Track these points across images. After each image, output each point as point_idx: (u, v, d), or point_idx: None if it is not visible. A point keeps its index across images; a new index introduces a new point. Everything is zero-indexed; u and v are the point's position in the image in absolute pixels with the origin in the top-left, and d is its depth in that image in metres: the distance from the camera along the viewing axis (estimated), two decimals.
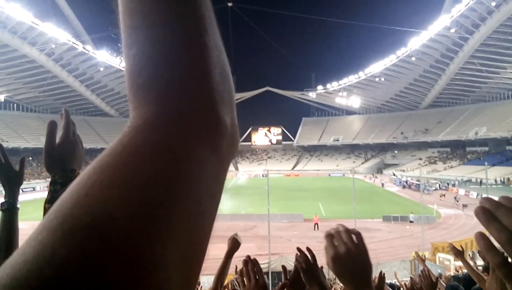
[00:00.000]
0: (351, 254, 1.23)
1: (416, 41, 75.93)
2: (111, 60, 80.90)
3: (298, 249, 1.81)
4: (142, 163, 0.32)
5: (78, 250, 0.26)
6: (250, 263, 1.75)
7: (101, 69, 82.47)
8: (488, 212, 0.88)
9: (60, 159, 1.16)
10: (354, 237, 1.26)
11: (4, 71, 71.74)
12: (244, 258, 1.81)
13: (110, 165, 0.32)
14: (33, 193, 52.53)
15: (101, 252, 0.26)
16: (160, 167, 0.32)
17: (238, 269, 2.45)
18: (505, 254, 0.86)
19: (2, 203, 1.57)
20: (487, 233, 0.87)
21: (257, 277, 1.72)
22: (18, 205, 1.62)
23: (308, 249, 1.84)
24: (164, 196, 0.31)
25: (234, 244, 2.61)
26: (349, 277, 1.22)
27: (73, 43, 72.46)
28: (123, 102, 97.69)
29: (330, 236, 1.29)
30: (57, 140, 1.19)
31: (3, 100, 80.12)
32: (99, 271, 0.25)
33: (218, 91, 0.38)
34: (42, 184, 59.10)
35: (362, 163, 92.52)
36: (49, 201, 1.13)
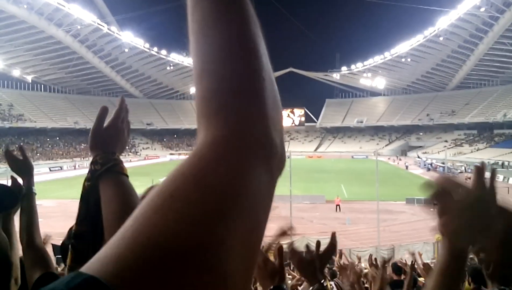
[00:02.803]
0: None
1: (445, 20, 73.93)
2: (135, 41, 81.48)
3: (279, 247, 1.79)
4: (214, 176, 0.38)
5: (169, 239, 0.33)
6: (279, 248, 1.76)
7: (126, 50, 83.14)
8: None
9: (104, 141, 1.22)
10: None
11: (31, 52, 73.15)
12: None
13: (189, 174, 0.39)
14: (61, 172, 53.89)
15: (186, 242, 0.34)
16: (228, 181, 0.38)
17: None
18: None
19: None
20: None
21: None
22: (35, 190, 1.80)
23: (289, 245, 1.87)
24: (231, 205, 0.37)
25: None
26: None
27: (98, 24, 73.16)
28: (147, 83, 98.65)
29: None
30: (106, 123, 1.25)
31: (30, 81, 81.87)
32: (181, 249, 0.33)
33: (272, 118, 0.44)
34: (69, 163, 60.54)
35: (386, 145, 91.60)
36: (89, 179, 1.18)
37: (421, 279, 6.41)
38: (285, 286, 1.61)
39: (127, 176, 1.18)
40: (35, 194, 1.80)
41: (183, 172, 0.39)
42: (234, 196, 0.38)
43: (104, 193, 1.12)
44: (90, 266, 0.32)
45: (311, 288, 1.69)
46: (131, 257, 0.32)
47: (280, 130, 0.46)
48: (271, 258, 1.71)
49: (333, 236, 1.85)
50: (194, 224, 0.35)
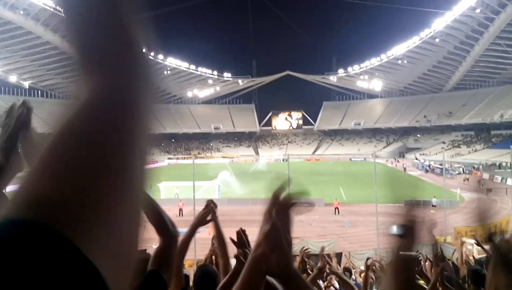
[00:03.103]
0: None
1: (440, 22, 74.20)
2: None
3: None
4: (97, 124, 0.41)
5: (67, 161, 0.37)
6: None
7: None
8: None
9: None
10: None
11: (28, 58, 73.05)
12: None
13: (73, 125, 0.41)
14: None
15: (92, 161, 0.37)
16: (111, 127, 0.41)
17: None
18: None
19: None
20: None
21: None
22: None
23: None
24: (116, 148, 0.40)
25: (208, 212, 2.75)
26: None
27: None
28: None
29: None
30: None
31: (27, 86, 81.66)
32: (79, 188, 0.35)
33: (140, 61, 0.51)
34: None
35: (384, 148, 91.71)
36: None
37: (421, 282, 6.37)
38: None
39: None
40: None
41: (67, 125, 0.41)
42: (119, 145, 0.41)
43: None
44: (11, 209, 0.32)
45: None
46: (51, 193, 0.33)
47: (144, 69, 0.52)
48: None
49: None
50: (92, 147, 0.38)
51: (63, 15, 0.46)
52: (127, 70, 0.46)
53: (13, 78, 76.61)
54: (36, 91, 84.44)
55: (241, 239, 2.19)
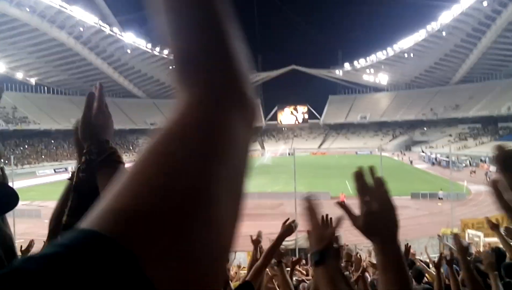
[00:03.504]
0: (381, 209, 1.24)
1: (447, 15, 73.57)
2: (137, 42, 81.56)
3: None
4: (197, 132, 0.42)
5: (157, 185, 0.36)
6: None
7: (128, 51, 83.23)
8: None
9: (95, 129, 1.21)
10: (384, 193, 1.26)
11: (34, 55, 73.33)
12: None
13: (173, 132, 0.42)
14: (66, 173, 53.96)
15: (178, 192, 0.36)
16: (210, 136, 0.42)
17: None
18: None
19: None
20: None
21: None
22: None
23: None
24: (215, 155, 0.41)
25: (287, 230, 2.71)
26: (378, 233, 1.22)
27: (100, 25, 73.22)
28: (150, 83, 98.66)
29: (362, 190, 1.29)
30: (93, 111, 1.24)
31: (34, 83, 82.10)
32: (172, 203, 0.35)
33: (241, 71, 0.47)
34: (74, 164, 60.38)
35: (390, 141, 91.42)
36: (84, 170, 1.18)
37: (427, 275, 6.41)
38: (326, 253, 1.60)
39: (124, 164, 1.18)
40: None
41: (166, 131, 0.42)
42: (218, 150, 0.41)
43: (103, 183, 1.10)
44: (88, 222, 0.33)
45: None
46: (125, 208, 0.33)
47: (249, 81, 0.48)
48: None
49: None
50: (180, 173, 0.37)
51: (166, 28, 0.47)
52: (225, 85, 0.46)
53: (19, 75, 76.99)
54: (42, 87, 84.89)
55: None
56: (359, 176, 1.30)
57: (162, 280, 0.31)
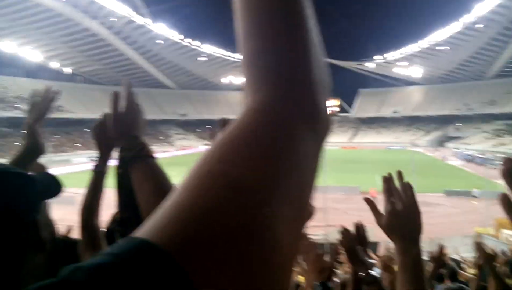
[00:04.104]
0: (407, 212, 1.28)
1: (484, 6, 71.00)
2: (169, 32, 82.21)
3: (343, 228, 1.94)
4: (262, 140, 0.40)
5: (221, 202, 0.34)
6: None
7: (160, 41, 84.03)
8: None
9: (125, 126, 1.26)
10: (409, 195, 1.32)
11: (68, 44, 74.93)
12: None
13: (237, 138, 0.40)
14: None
15: (237, 205, 0.35)
16: (275, 144, 0.40)
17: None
18: None
19: (95, 165, 1.75)
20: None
21: (309, 251, 1.78)
22: (107, 170, 1.77)
23: (348, 230, 1.94)
24: (279, 168, 0.39)
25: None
26: (400, 233, 1.27)
27: (132, 16, 74.07)
28: (181, 74, 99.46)
29: (388, 192, 1.36)
30: (121, 109, 1.28)
31: (70, 72, 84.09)
32: (234, 212, 0.34)
33: (317, 83, 0.45)
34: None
35: (422, 136, 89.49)
36: (120, 166, 1.23)
37: (466, 273, 6.10)
38: (330, 285, 1.67)
39: (154, 158, 1.21)
40: (105, 173, 1.75)
41: (230, 138, 0.41)
42: (281, 161, 0.39)
43: (136, 177, 1.14)
44: (141, 232, 0.33)
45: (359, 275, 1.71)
46: (181, 222, 0.33)
47: (325, 95, 0.47)
48: None
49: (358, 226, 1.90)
50: (243, 188, 0.36)
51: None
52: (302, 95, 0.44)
53: (55, 64, 78.94)
54: (76, 77, 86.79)
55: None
56: (388, 179, 1.39)
57: None
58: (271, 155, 0.39)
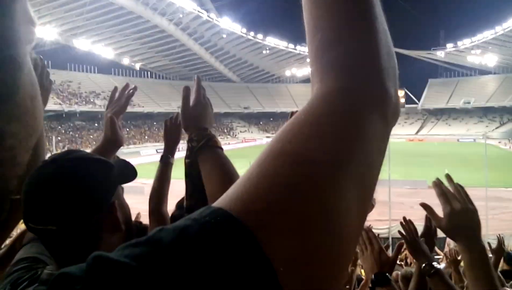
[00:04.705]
0: (465, 211, 1.32)
1: None
2: (233, 27, 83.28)
3: (404, 219, 1.95)
4: (331, 122, 0.42)
5: (290, 178, 0.37)
6: (364, 231, 1.84)
7: (224, 36, 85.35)
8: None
9: (194, 119, 1.33)
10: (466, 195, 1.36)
11: (139, 41, 78.12)
12: None
13: (306, 122, 0.42)
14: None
15: (303, 180, 0.37)
16: (344, 126, 0.42)
17: None
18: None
19: (162, 156, 1.94)
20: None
21: (372, 243, 1.80)
22: (172, 160, 1.98)
23: (409, 220, 1.95)
24: (347, 148, 0.41)
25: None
26: (462, 233, 1.30)
27: (198, 12, 75.72)
28: (244, 67, 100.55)
29: (443, 195, 1.39)
30: (191, 103, 1.35)
31: (138, 68, 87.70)
32: (302, 187, 0.37)
33: (386, 69, 0.46)
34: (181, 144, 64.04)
35: (496, 128, 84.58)
36: (188, 156, 1.30)
37: None
38: (390, 277, 1.67)
39: (222, 149, 1.27)
40: (172, 164, 1.96)
41: (300, 122, 0.42)
42: (349, 142, 0.41)
43: (204, 167, 1.22)
44: (218, 202, 0.37)
45: (422, 266, 1.74)
46: (255, 195, 0.36)
47: (395, 80, 0.48)
48: None
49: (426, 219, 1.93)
50: (313, 168, 0.38)
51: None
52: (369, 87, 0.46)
53: (125, 60, 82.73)
54: (146, 72, 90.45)
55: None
56: (438, 183, 1.44)
57: (281, 259, 0.33)
58: (339, 135, 0.41)
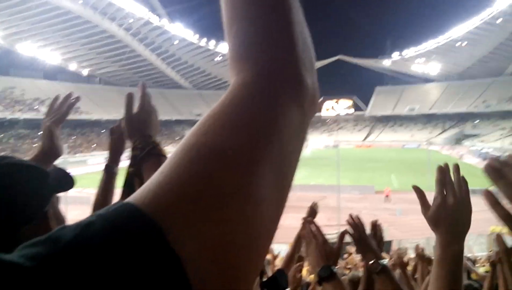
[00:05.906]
0: (457, 206, 1.25)
1: (504, 1, 69.79)
2: (185, 33, 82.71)
3: (350, 216, 1.92)
4: (246, 111, 0.42)
5: (202, 168, 0.37)
6: (307, 225, 1.86)
7: (176, 42, 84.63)
8: (496, 170, 1.06)
9: (138, 127, 1.29)
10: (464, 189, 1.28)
11: (87, 46, 75.90)
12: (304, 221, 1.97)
13: (221, 112, 0.42)
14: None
15: (216, 169, 0.37)
16: (258, 115, 0.42)
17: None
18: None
19: (105, 165, 1.86)
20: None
21: (316, 236, 1.80)
22: (116, 170, 1.90)
23: (356, 217, 1.92)
24: (262, 137, 0.41)
25: (311, 213, 2.81)
26: (447, 227, 1.23)
27: (150, 17, 74.70)
28: (196, 74, 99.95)
29: (442, 183, 1.31)
30: (135, 109, 1.33)
31: (86, 74, 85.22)
32: (215, 175, 0.37)
33: (301, 58, 0.46)
34: (124, 153, 62.59)
35: (439, 134, 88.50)
36: (132, 165, 1.24)
37: (480, 271, 6.21)
38: (334, 269, 1.66)
39: (166, 157, 1.21)
40: (116, 173, 1.89)
41: (215, 113, 0.42)
42: (264, 130, 0.41)
43: (148, 176, 1.19)
44: (129, 198, 0.36)
45: (370, 262, 1.73)
46: (166, 188, 0.36)
47: (312, 71, 0.49)
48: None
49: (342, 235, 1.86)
50: (227, 157, 0.38)
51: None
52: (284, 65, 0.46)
53: (73, 66, 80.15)
54: (93, 78, 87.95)
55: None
56: (443, 169, 1.34)
57: (191, 256, 0.32)
58: (253, 125, 0.41)
